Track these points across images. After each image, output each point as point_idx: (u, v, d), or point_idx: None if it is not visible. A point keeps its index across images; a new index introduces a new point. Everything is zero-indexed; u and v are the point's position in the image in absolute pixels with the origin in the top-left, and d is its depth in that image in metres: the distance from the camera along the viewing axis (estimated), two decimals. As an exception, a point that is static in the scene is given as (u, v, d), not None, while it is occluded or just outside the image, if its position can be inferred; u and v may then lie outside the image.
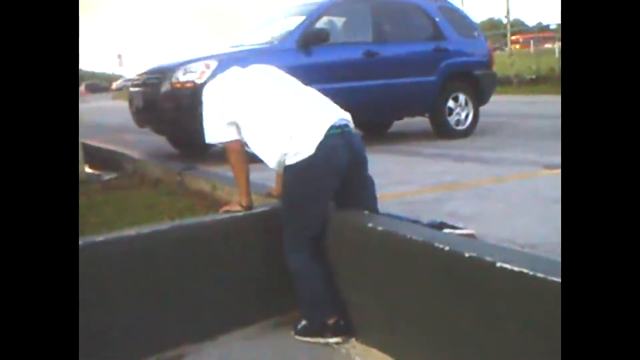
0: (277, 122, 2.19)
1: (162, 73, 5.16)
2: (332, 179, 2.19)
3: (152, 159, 5.33)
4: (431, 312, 1.88)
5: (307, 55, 5.26)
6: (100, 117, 12.01)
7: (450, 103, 6.25)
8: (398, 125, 7.11)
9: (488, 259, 1.63)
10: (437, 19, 6.34)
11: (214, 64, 4.82)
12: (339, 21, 6.10)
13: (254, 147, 2.27)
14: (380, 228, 2.06)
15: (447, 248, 1.77)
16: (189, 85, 4.81)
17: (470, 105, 6.39)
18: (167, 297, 2.21)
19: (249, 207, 2.40)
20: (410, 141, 6.20)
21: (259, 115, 2.24)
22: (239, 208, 2.39)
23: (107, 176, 5.10)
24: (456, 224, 2.51)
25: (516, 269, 1.55)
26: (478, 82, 6.47)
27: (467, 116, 6.37)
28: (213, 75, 3.93)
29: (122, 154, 5.79)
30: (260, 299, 2.40)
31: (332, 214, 2.27)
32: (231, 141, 2.30)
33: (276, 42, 5.49)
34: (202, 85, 2.79)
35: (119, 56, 38.38)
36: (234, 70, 2.45)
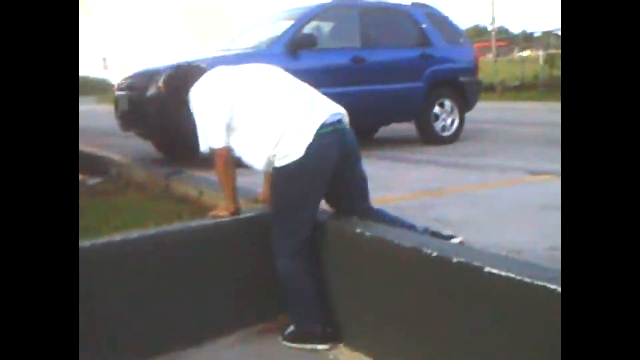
0: (267, 123, 2.16)
1: (149, 76, 5.12)
2: (322, 180, 2.18)
3: (138, 163, 5.29)
4: (420, 317, 1.88)
5: (295, 59, 5.25)
6: (85, 120, 11.88)
7: (436, 109, 6.30)
8: (384, 130, 7.14)
9: (476, 264, 1.65)
10: (424, 26, 6.38)
11: (201, 68, 4.80)
12: (328, 26, 6.11)
13: (242, 150, 2.24)
14: (368, 233, 2.06)
15: (435, 254, 1.78)
16: (175, 89, 4.78)
17: (456, 111, 6.44)
18: (152, 303, 2.19)
19: (236, 212, 2.38)
20: (395, 147, 6.23)
21: (248, 117, 2.21)
22: (226, 213, 2.38)
23: (92, 181, 5.03)
24: (443, 231, 2.52)
25: (503, 274, 1.57)
26: (464, 89, 6.52)
27: (452, 122, 6.43)
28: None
29: (107, 158, 5.73)
30: (247, 305, 2.39)
31: (321, 219, 2.27)
32: (220, 148, 2.25)
33: (264, 47, 5.48)
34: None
35: (104, 59, 37.96)
36: (220, 71, 2.38)
